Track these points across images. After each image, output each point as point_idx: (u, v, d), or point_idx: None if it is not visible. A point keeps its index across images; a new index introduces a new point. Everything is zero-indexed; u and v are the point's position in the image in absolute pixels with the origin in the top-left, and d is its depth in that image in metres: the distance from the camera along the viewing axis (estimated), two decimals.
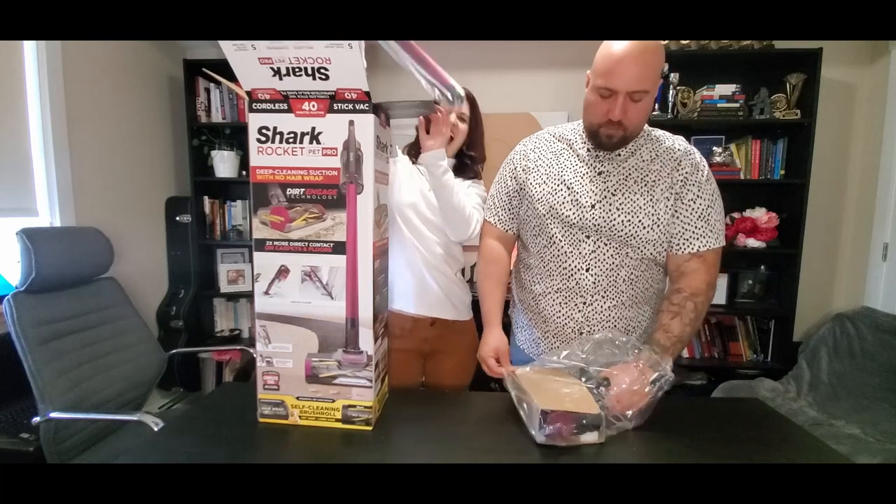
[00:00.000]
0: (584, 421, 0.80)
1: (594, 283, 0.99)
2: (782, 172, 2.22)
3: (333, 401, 0.88)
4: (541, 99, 2.47)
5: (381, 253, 0.92)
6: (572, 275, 1.01)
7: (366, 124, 0.80)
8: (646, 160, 0.98)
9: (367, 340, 0.86)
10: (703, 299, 0.95)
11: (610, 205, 0.97)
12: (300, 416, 0.89)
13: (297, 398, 0.89)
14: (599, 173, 0.99)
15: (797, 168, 2.15)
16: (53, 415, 1.23)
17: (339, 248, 0.84)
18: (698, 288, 0.95)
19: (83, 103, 1.89)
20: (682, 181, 0.95)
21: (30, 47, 1.68)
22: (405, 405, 1.01)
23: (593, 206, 0.97)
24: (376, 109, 0.82)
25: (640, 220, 0.95)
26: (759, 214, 2.19)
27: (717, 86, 2.14)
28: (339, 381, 0.87)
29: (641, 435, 0.86)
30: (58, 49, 1.76)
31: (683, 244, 0.96)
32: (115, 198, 2.08)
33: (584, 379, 0.92)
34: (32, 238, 1.31)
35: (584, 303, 1.01)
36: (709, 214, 0.95)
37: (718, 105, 2.15)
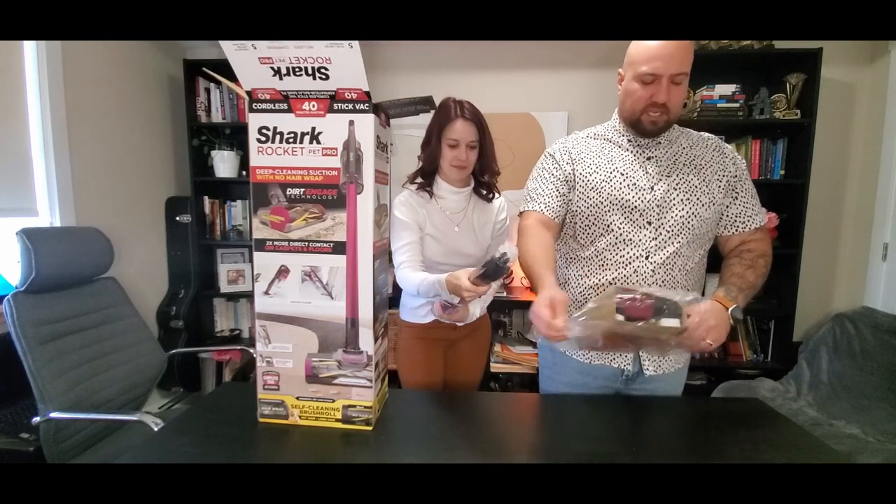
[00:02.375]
0: (664, 307, 0.80)
1: (653, 271, 0.99)
2: (782, 172, 2.22)
3: (333, 401, 0.88)
4: (541, 99, 2.47)
5: (381, 253, 0.92)
6: (630, 263, 1.00)
7: (366, 124, 0.80)
8: (685, 147, 1.04)
9: (367, 340, 0.86)
10: (769, 260, 1.03)
11: (667, 186, 0.99)
12: (300, 416, 0.89)
13: (297, 398, 0.89)
14: (648, 158, 1.02)
15: (797, 168, 2.15)
16: (53, 415, 1.23)
17: (339, 248, 0.84)
18: (766, 251, 1.03)
19: (83, 103, 1.89)
20: (733, 166, 1.03)
21: (30, 47, 1.68)
22: (405, 405, 1.01)
23: (652, 188, 0.99)
24: (376, 109, 0.82)
25: (697, 198, 0.99)
26: None
27: (717, 86, 2.14)
28: (339, 381, 0.87)
29: (642, 435, 0.86)
30: (58, 49, 1.76)
31: (748, 221, 1.04)
32: (115, 198, 2.08)
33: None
34: (32, 238, 1.31)
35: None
36: (755, 193, 1.06)
37: (718, 105, 2.16)
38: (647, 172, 1.00)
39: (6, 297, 1.28)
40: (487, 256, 0.91)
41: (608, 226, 1.01)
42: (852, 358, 1.99)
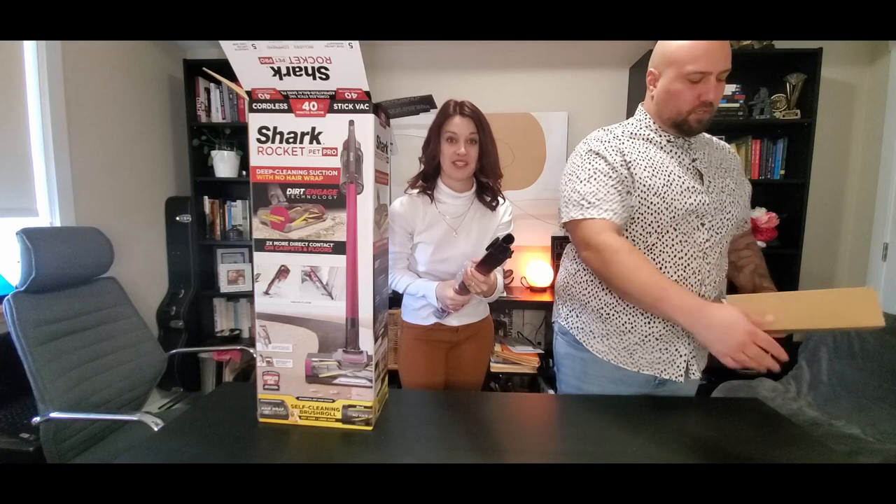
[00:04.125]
0: None
1: (708, 271, 0.98)
2: (782, 172, 2.22)
3: (333, 401, 0.88)
4: (541, 99, 2.47)
5: (381, 253, 0.92)
6: (689, 264, 0.98)
7: (366, 124, 0.80)
8: (710, 147, 1.05)
9: (367, 340, 0.86)
10: None
11: (715, 188, 1.00)
12: (300, 416, 0.89)
13: (297, 398, 0.89)
14: (693, 160, 1.01)
15: (797, 168, 2.15)
16: (53, 415, 1.23)
17: (339, 248, 0.84)
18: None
19: (83, 103, 1.89)
20: (740, 167, 1.07)
21: (30, 47, 1.68)
22: (405, 405, 1.01)
23: (708, 191, 0.99)
24: (376, 109, 0.82)
25: (735, 201, 1.02)
26: (759, 214, 2.19)
27: None
28: (339, 381, 0.87)
29: (641, 435, 0.86)
30: (58, 49, 1.76)
31: (748, 221, 1.13)
32: (115, 198, 2.08)
33: None
34: (32, 238, 1.31)
35: (700, 295, 0.98)
36: None
37: (719, 105, 2.16)
38: (699, 175, 0.99)
39: (6, 297, 1.28)
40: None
41: (665, 230, 0.98)
42: (852, 358, 1.99)
